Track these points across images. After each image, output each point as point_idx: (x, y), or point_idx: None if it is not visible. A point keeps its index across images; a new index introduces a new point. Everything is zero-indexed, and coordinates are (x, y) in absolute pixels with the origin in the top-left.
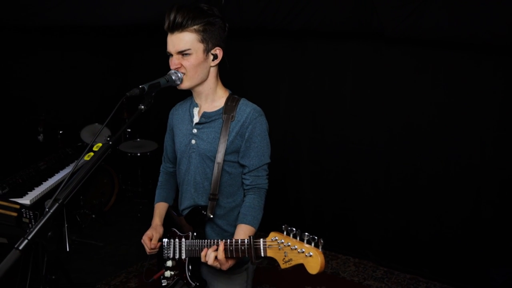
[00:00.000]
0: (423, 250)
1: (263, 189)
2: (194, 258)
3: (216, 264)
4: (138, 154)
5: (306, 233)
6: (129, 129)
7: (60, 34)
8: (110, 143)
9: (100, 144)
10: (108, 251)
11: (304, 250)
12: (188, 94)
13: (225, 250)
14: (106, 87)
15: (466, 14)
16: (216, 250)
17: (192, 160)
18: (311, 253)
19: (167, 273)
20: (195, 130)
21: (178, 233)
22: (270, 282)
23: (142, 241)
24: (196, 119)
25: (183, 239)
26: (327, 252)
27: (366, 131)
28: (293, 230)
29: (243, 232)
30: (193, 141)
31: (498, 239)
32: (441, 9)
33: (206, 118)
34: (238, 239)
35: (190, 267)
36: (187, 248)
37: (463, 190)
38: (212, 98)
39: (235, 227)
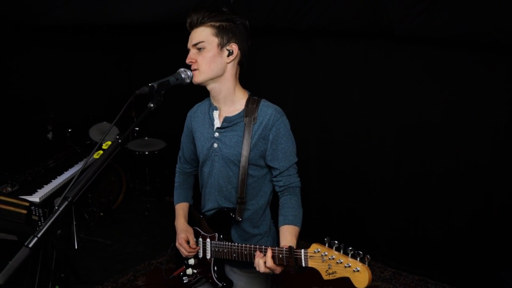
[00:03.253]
0: (432, 251)
1: (297, 187)
2: (219, 259)
3: (268, 270)
4: (146, 153)
5: (350, 247)
6: (137, 127)
7: (69, 33)
8: (120, 141)
9: (109, 143)
10: (116, 249)
11: (350, 265)
12: (199, 92)
13: (273, 257)
14: (115, 85)
15: (478, 12)
16: (262, 257)
17: (215, 164)
18: (359, 268)
19: (189, 271)
20: (217, 134)
21: (202, 232)
22: (277, 282)
23: (177, 245)
24: (217, 123)
25: (208, 239)
26: None
27: (375, 130)
28: (335, 243)
29: (288, 233)
30: (215, 145)
31: (509, 240)
32: (452, 8)
33: (228, 122)
34: (282, 247)
35: (215, 267)
36: (212, 249)
37: (473, 191)
38: (232, 100)
39: (258, 228)
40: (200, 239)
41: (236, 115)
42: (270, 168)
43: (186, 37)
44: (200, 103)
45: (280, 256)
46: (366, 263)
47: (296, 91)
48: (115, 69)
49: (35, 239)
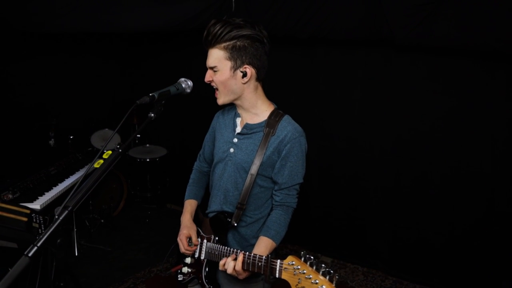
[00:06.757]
0: (433, 260)
1: (292, 208)
2: (212, 261)
3: (234, 273)
4: (147, 160)
5: (323, 265)
6: (138, 134)
7: (72, 40)
8: (120, 150)
9: (110, 152)
10: (116, 256)
11: (318, 281)
12: (200, 101)
13: (243, 262)
14: (117, 92)
15: (477, 22)
16: (235, 259)
17: (227, 168)
18: (324, 287)
19: (185, 269)
20: (235, 140)
21: (201, 233)
22: None
23: (178, 239)
24: (238, 129)
25: (205, 241)
26: (335, 260)
27: (375, 138)
28: (311, 259)
29: (264, 244)
30: (231, 150)
31: (511, 249)
32: (452, 17)
33: (248, 129)
34: (256, 254)
35: (207, 269)
36: (207, 250)
37: (474, 199)
38: (255, 111)
39: (256, 238)
40: (199, 239)
41: (257, 124)
42: (273, 181)
43: (187, 45)
44: (229, 107)
45: (248, 262)
46: (334, 283)
47: (297, 99)
48: (117, 76)
49: (35, 248)
